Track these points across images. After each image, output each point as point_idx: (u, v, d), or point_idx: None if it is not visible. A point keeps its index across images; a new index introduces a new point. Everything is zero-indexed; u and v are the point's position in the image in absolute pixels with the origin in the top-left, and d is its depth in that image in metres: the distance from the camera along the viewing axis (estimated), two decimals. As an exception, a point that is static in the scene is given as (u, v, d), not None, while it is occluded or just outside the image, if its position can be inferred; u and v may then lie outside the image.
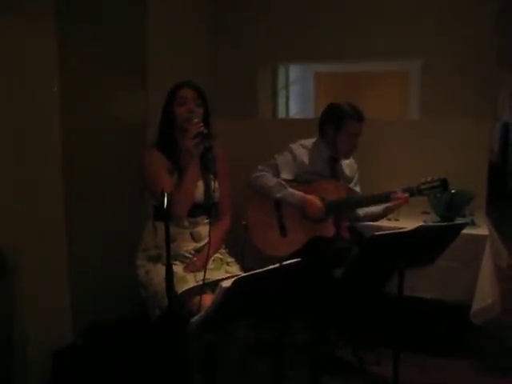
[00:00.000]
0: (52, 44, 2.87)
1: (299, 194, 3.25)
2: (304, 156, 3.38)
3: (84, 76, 3.12)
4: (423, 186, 3.07)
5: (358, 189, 3.56)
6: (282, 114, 5.69)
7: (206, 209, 2.80)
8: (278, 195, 3.27)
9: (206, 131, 2.55)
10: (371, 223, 3.45)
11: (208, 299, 2.36)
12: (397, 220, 3.58)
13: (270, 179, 3.29)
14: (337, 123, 3.30)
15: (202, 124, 2.57)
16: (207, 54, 4.53)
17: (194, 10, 4.35)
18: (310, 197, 3.23)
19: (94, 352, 2.93)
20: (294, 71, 6.18)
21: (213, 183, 2.82)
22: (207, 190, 2.79)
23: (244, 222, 3.07)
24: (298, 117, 6.04)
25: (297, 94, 6.36)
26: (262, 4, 4.46)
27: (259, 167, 3.36)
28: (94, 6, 3.17)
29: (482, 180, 4.03)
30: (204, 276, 2.44)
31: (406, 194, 3.10)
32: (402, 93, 5.58)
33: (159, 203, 2.58)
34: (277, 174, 3.33)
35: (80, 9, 3.08)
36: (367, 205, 3.32)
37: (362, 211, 3.41)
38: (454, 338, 3.66)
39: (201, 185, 2.77)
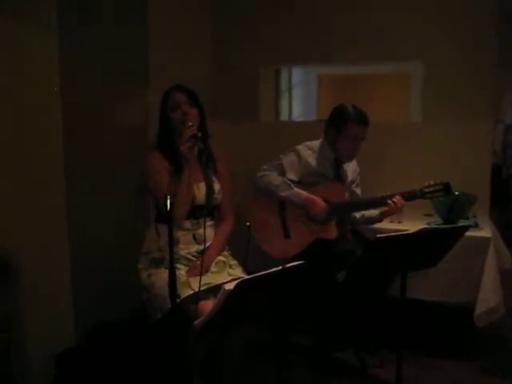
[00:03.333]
0: (52, 44, 2.86)
1: (304, 193, 3.24)
2: (309, 157, 3.37)
3: (84, 76, 3.12)
4: (426, 190, 3.08)
5: (358, 191, 3.56)
6: (284, 116, 5.67)
7: (208, 210, 2.80)
8: (283, 194, 3.25)
9: (199, 134, 2.57)
10: (373, 225, 3.45)
11: (210, 304, 2.36)
12: (400, 222, 3.56)
13: (275, 178, 3.28)
14: (338, 125, 3.31)
15: (194, 127, 2.60)
16: (209, 55, 4.52)
17: (196, 11, 4.34)
18: (314, 197, 3.22)
19: (96, 354, 2.93)
20: (297, 74, 6.17)
21: (215, 185, 2.82)
22: (209, 191, 2.79)
23: (248, 223, 3.07)
24: (300, 119, 6.05)
25: (299, 96, 6.35)
26: (264, 6, 4.45)
27: (264, 167, 3.36)
28: (95, 6, 3.17)
29: (484, 182, 4.01)
30: (200, 282, 2.44)
31: (401, 200, 3.11)
32: (404, 95, 5.56)
33: (161, 206, 2.58)
34: (282, 174, 3.32)
35: (80, 9, 3.07)
36: (365, 208, 3.33)
37: (358, 214, 3.42)
38: (457, 341, 3.65)
39: (202, 186, 2.78)
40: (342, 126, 3.28)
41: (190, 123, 2.62)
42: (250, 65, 4.57)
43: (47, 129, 2.89)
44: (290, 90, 5.81)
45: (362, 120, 3.26)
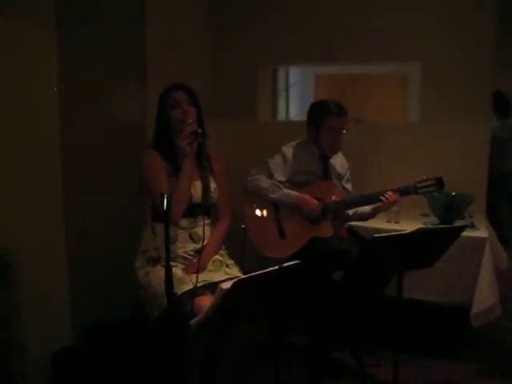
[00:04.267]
0: (52, 44, 2.87)
1: (294, 193, 3.27)
2: (295, 156, 3.41)
3: (84, 76, 3.12)
4: (419, 185, 3.09)
5: (349, 186, 3.60)
6: (281, 116, 5.68)
7: (205, 209, 2.81)
8: (273, 196, 3.27)
9: (199, 130, 2.60)
10: (370, 225, 3.46)
11: (207, 301, 2.37)
12: (397, 222, 3.57)
13: (264, 181, 3.31)
14: (317, 120, 3.37)
15: (195, 123, 2.64)
16: (207, 55, 4.53)
17: (194, 11, 4.34)
18: (305, 196, 3.25)
19: (93, 353, 2.93)
20: (294, 73, 6.17)
21: (211, 183, 2.83)
22: (205, 189, 2.80)
23: (243, 226, 3.08)
24: (297, 119, 6.04)
25: (297, 96, 6.36)
26: (262, 5, 4.46)
27: (252, 171, 3.39)
28: (94, 6, 3.18)
29: (481, 182, 4.03)
30: (196, 279, 2.46)
31: (395, 195, 3.13)
32: (402, 95, 5.57)
33: (158, 205, 2.59)
34: (270, 176, 3.34)
35: (80, 9, 3.08)
36: (359, 205, 3.34)
37: (351, 211, 3.43)
38: (454, 341, 3.66)
39: (199, 185, 2.79)
40: (321, 119, 3.34)
41: (191, 120, 2.64)
42: (248, 65, 4.58)
43: (46, 129, 2.90)
44: (287, 89, 5.82)
45: (340, 110, 3.31)
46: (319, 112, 3.37)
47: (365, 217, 3.41)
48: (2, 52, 2.62)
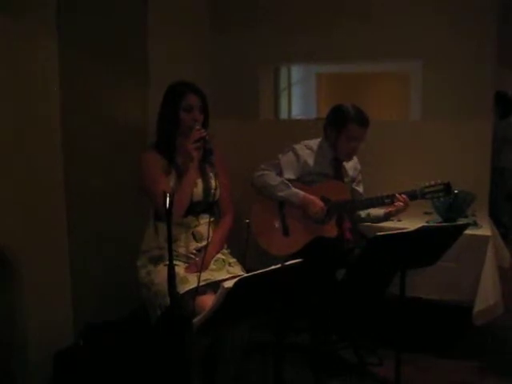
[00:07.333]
0: (52, 44, 2.86)
1: (302, 193, 3.24)
2: (308, 157, 3.37)
3: (84, 76, 3.12)
4: (426, 190, 3.07)
5: (360, 189, 3.56)
6: (284, 114, 5.68)
7: (207, 207, 2.81)
8: (281, 194, 3.25)
9: (208, 137, 2.62)
10: (373, 224, 3.45)
11: (210, 300, 2.36)
12: (399, 221, 3.56)
13: (273, 178, 3.28)
14: (339, 126, 3.30)
15: (203, 130, 2.64)
16: (208, 54, 4.52)
17: (195, 10, 4.34)
18: (312, 197, 3.22)
19: (94, 352, 2.92)
20: (296, 72, 6.17)
21: (212, 181, 2.83)
22: (206, 187, 2.80)
23: (247, 220, 3.07)
24: (300, 117, 6.04)
25: (299, 94, 6.36)
26: (263, 4, 4.45)
27: (262, 166, 3.35)
28: (95, 6, 3.17)
29: (484, 181, 4.01)
30: (199, 278, 2.45)
31: (406, 198, 3.11)
32: (404, 93, 5.57)
33: (159, 205, 2.57)
34: (280, 173, 3.32)
35: (80, 8, 3.07)
36: (368, 207, 3.32)
37: (363, 213, 3.41)
38: (457, 339, 3.65)
39: (200, 182, 2.79)
40: (343, 126, 3.27)
41: (198, 126, 2.66)
42: (249, 63, 4.57)
43: (47, 129, 2.89)
44: (289, 88, 5.82)
45: (363, 121, 3.25)
46: (341, 118, 3.28)
47: (377, 220, 3.39)
48: (2, 52, 2.61)
